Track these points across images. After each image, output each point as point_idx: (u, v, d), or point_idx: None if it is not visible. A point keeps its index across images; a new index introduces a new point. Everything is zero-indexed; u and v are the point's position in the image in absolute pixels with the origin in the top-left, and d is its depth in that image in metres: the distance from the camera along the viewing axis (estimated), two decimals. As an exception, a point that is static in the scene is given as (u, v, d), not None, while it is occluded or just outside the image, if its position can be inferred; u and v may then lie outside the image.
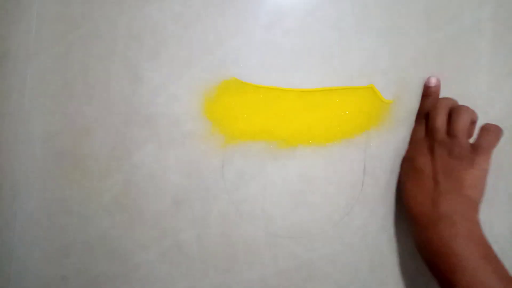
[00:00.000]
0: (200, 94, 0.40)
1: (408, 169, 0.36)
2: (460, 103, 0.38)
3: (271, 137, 0.39)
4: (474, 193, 0.33)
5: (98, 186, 0.40)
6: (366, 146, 0.38)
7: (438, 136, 0.35)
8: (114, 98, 0.40)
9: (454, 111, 0.35)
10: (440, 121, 0.35)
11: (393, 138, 0.38)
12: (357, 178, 0.38)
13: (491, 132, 0.34)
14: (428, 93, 0.37)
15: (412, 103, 0.38)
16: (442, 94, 0.38)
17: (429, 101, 0.37)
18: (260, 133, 0.39)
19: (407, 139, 0.38)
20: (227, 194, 0.39)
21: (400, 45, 0.38)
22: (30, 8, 0.41)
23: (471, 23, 0.38)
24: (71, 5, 0.41)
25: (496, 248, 0.37)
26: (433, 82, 0.37)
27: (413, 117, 0.38)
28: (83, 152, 0.41)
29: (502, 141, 0.37)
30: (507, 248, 0.37)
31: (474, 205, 0.33)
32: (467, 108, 0.35)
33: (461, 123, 0.34)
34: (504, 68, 0.38)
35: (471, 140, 0.35)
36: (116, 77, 0.40)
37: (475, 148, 0.33)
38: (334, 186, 0.39)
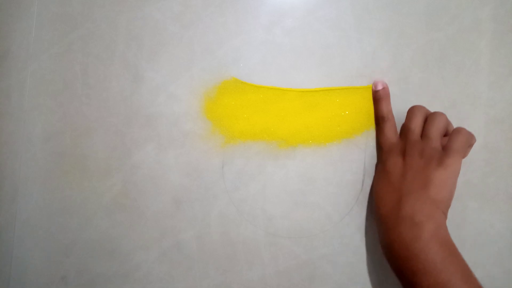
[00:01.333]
0: (200, 94, 0.40)
1: (379, 171, 0.36)
2: (460, 103, 0.38)
3: (271, 137, 0.39)
4: (440, 193, 0.32)
5: (98, 186, 0.40)
6: (366, 146, 0.38)
7: (412, 138, 0.34)
8: (114, 98, 0.40)
9: (430, 116, 0.35)
10: (416, 122, 0.35)
11: (393, 138, 0.38)
12: (357, 178, 0.38)
13: (462, 135, 0.33)
14: (379, 97, 0.37)
15: (412, 103, 0.38)
16: (443, 94, 0.38)
17: (382, 105, 0.37)
18: (260, 133, 0.39)
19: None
20: (227, 194, 0.39)
21: (400, 45, 0.38)
22: (30, 8, 0.41)
23: (471, 23, 0.38)
24: (71, 5, 0.41)
25: (496, 248, 0.37)
26: (379, 85, 0.37)
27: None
28: (83, 152, 0.41)
29: (503, 141, 0.37)
30: (507, 248, 0.37)
31: (440, 206, 0.32)
32: (443, 114, 0.35)
33: (436, 126, 0.34)
34: (504, 68, 0.38)
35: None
36: (116, 77, 0.40)
37: (445, 150, 0.33)
38: (334, 186, 0.39)
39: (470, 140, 0.33)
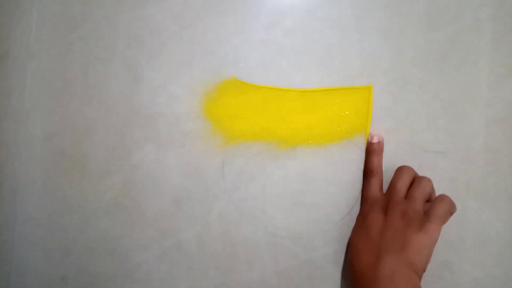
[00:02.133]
0: (200, 94, 0.40)
1: (359, 224, 0.36)
2: (460, 103, 0.38)
3: (271, 137, 0.39)
4: (417, 258, 0.32)
5: (98, 186, 0.40)
6: (366, 146, 0.38)
7: (396, 197, 0.35)
8: (114, 98, 0.40)
9: (417, 179, 0.35)
10: (402, 183, 0.35)
11: (393, 138, 0.38)
12: (357, 178, 0.38)
13: (446, 202, 0.34)
14: (372, 149, 0.37)
15: (412, 103, 0.38)
16: (443, 94, 0.38)
17: (374, 159, 0.37)
18: (260, 133, 0.39)
19: (407, 139, 0.38)
20: (227, 194, 0.39)
21: (400, 45, 0.38)
22: (30, 8, 0.41)
23: (471, 23, 0.38)
24: (71, 5, 0.41)
25: (496, 248, 0.37)
26: (375, 139, 0.37)
27: (413, 117, 0.38)
28: (83, 152, 0.41)
29: (503, 141, 0.37)
30: (507, 248, 0.37)
31: (416, 270, 0.32)
32: (430, 180, 0.35)
33: (422, 189, 0.34)
34: (504, 68, 0.38)
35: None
36: (116, 77, 0.40)
37: (427, 215, 0.33)
38: (334, 186, 0.39)
39: (452, 208, 0.34)
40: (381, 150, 0.38)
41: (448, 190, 0.37)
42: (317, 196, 0.39)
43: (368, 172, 0.37)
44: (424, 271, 0.33)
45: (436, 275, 0.37)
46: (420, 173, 0.37)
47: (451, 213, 0.34)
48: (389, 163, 0.38)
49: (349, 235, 0.38)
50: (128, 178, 0.40)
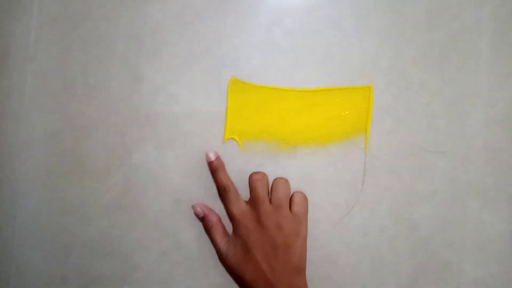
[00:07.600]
0: (200, 94, 0.40)
1: (239, 248, 0.36)
2: (460, 103, 0.38)
3: (271, 137, 0.39)
4: (302, 260, 0.35)
5: (98, 186, 0.40)
6: (366, 146, 0.38)
7: (264, 207, 0.35)
8: (114, 98, 0.40)
9: (274, 182, 0.37)
10: (263, 190, 0.36)
11: (393, 138, 0.38)
12: (357, 178, 0.38)
13: (303, 197, 0.37)
14: (214, 168, 0.38)
15: (412, 103, 0.38)
16: (443, 94, 0.38)
17: (221, 175, 0.38)
18: (260, 133, 0.39)
19: (407, 139, 0.38)
20: (227, 194, 0.39)
21: (400, 45, 0.38)
22: (30, 8, 0.41)
23: (471, 23, 0.38)
24: (71, 5, 0.41)
25: (496, 248, 0.37)
26: (212, 156, 0.38)
27: (413, 117, 0.38)
28: (83, 152, 0.41)
29: (503, 141, 0.37)
30: (507, 248, 0.37)
31: (302, 272, 0.35)
32: (284, 179, 0.37)
33: (283, 192, 0.36)
34: (504, 68, 0.38)
35: None
36: (116, 77, 0.40)
37: (296, 217, 0.36)
38: (334, 186, 0.39)
39: (307, 203, 0.37)
40: (222, 165, 0.38)
41: (448, 190, 0.37)
42: (317, 196, 0.39)
43: (221, 189, 0.38)
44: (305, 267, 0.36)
45: (436, 275, 0.38)
46: (420, 173, 0.37)
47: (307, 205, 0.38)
48: (389, 163, 0.38)
49: (345, 239, 0.38)
50: (128, 178, 0.40)
